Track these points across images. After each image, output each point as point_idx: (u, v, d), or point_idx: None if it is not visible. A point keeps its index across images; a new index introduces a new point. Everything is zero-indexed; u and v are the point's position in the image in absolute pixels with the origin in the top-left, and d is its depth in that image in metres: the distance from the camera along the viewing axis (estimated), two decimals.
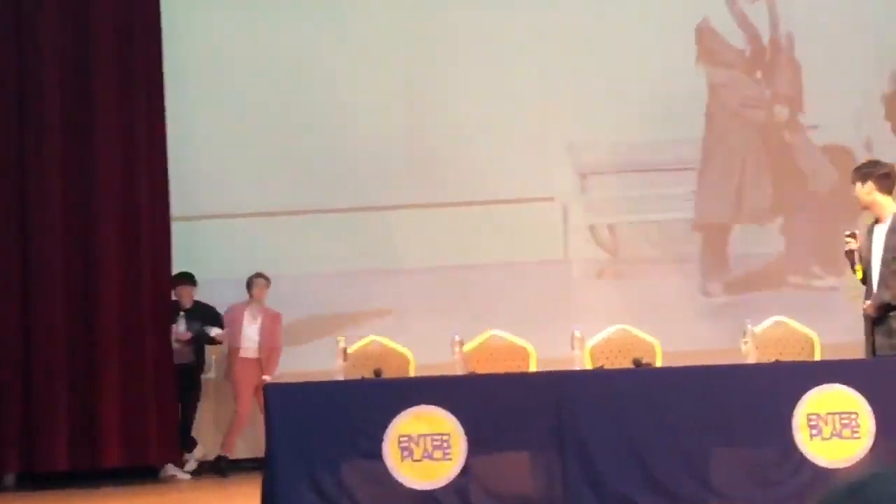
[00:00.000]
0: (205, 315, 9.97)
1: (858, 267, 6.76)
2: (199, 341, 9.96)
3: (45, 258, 9.45)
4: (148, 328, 9.60)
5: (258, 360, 9.93)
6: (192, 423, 10.04)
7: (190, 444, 10.03)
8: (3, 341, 9.37)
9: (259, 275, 9.97)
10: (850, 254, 6.78)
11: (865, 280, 6.76)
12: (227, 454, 9.89)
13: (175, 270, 9.87)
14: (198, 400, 10.07)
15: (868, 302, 6.67)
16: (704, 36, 10.58)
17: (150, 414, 9.52)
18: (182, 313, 9.85)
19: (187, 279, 9.94)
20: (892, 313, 6.56)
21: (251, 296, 9.97)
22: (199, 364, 10.02)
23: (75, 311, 9.46)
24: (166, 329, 9.74)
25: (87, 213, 9.58)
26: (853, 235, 6.78)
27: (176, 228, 9.84)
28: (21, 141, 9.49)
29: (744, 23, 10.63)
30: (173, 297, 9.90)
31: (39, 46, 9.53)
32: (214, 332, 9.88)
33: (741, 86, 10.66)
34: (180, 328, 9.79)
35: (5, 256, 9.46)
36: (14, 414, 9.32)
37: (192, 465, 9.99)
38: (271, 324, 9.98)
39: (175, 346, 9.81)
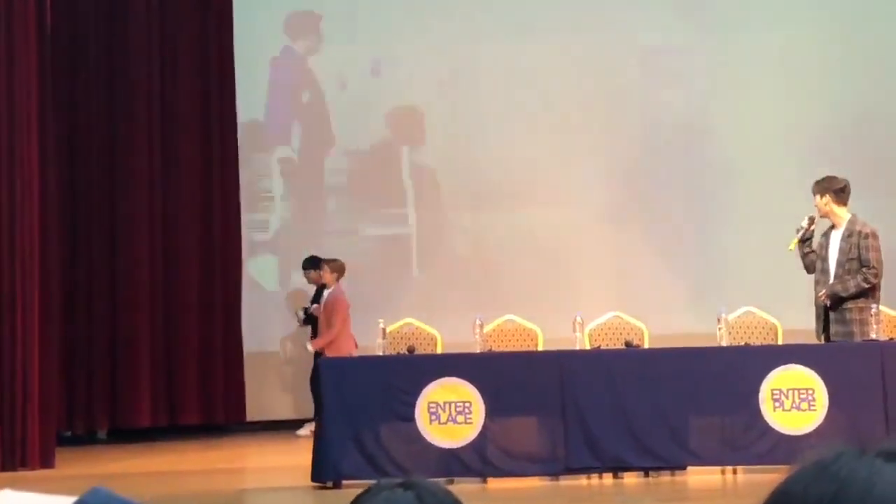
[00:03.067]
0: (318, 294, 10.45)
1: (794, 241, 7.48)
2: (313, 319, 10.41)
3: (132, 249, 10.45)
4: (218, 311, 10.61)
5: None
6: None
7: None
8: (95, 322, 10.38)
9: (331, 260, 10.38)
10: (799, 229, 7.48)
11: (805, 266, 7.52)
12: None
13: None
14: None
15: (823, 293, 7.38)
16: None
17: (218, 381, 10.58)
18: (303, 309, 10.36)
19: (307, 263, 10.42)
20: (845, 304, 7.31)
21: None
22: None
23: (157, 295, 10.49)
24: (235, 311, 10.68)
25: (169, 209, 10.64)
26: (812, 220, 7.50)
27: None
28: (112, 155, 10.59)
29: None
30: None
31: (131, 83, 10.62)
32: (313, 307, 10.33)
33: None
34: (300, 315, 10.42)
35: (98, 248, 10.43)
36: (105, 381, 10.35)
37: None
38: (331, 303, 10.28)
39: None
